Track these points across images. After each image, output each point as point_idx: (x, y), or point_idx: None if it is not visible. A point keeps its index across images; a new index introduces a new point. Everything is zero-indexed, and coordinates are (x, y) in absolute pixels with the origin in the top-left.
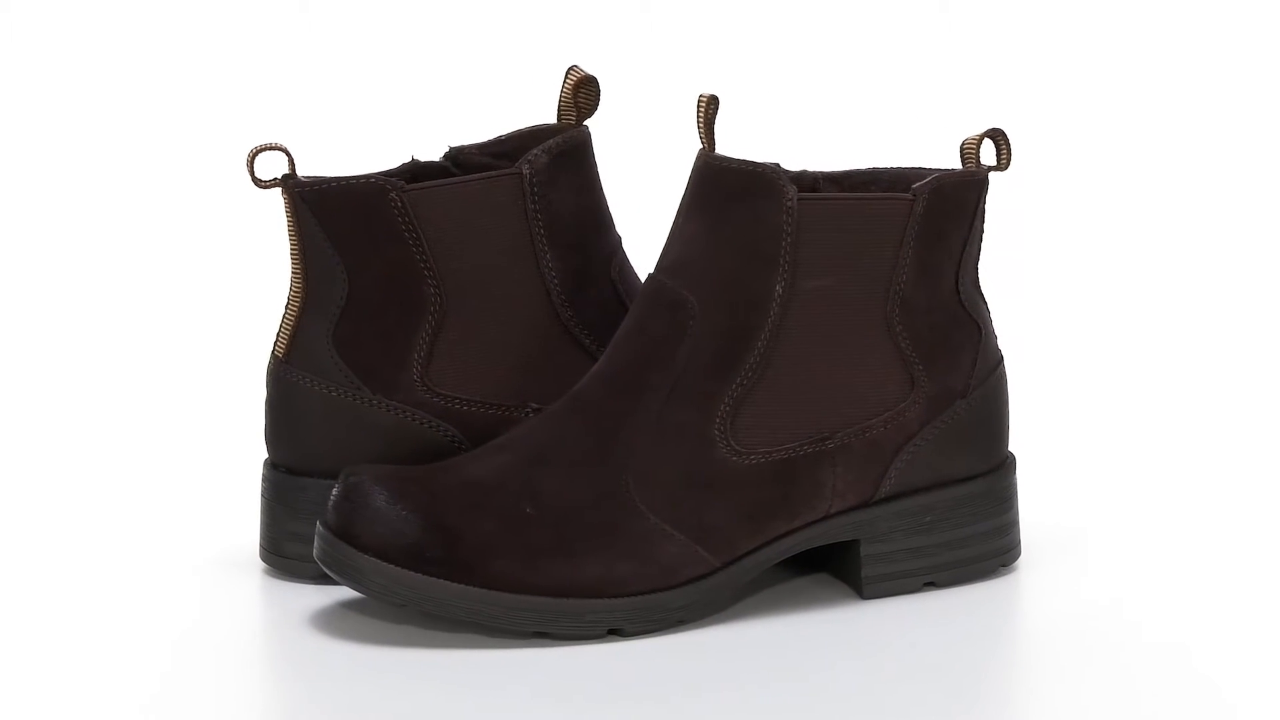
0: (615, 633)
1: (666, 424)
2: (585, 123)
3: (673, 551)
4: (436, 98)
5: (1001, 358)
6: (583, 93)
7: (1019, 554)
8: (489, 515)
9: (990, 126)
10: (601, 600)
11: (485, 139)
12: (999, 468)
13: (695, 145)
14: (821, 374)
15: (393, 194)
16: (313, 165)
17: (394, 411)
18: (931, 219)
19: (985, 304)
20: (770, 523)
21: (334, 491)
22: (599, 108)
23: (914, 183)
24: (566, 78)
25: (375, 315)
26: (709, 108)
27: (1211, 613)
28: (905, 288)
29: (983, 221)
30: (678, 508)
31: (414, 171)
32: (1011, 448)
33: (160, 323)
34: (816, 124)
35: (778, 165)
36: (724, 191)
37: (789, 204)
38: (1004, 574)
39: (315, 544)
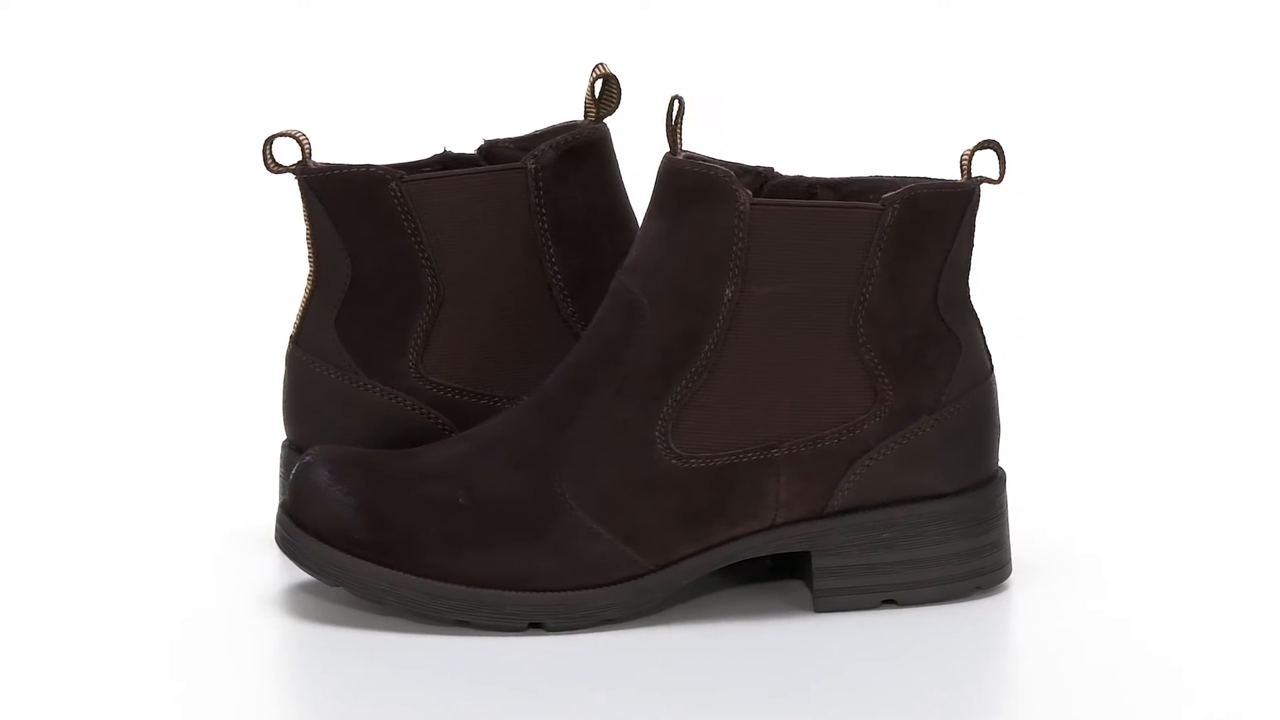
0: (537, 627)
1: (610, 423)
2: (606, 121)
3: (599, 551)
4: (477, 90)
5: (987, 375)
6: (603, 91)
7: (1004, 577)
8: (423, 502)
9: (985, 138)
10: (523, 594)
11: (521, 133)
12: (976, 488)
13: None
14: (772, 382)
15: (392, 184)
16: (347, 154)
17: (387, 396)
18: (903, 230)
19: (975, 319)
20: (707, 528)
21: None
22: (619, 107)
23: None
24: (591, 75)
25: (375, 302)
26: (676, 109)
27: (1204, 631)
28: (872, 299)
29: (971, 235)
30: (610, 507)
31: (445, 162)
32: (1006, 461)
33: (190, 304)
34: (831, 128)
35: (730, 172)
36: (679, 193)
37: (741, 208)
38: (995, 591)
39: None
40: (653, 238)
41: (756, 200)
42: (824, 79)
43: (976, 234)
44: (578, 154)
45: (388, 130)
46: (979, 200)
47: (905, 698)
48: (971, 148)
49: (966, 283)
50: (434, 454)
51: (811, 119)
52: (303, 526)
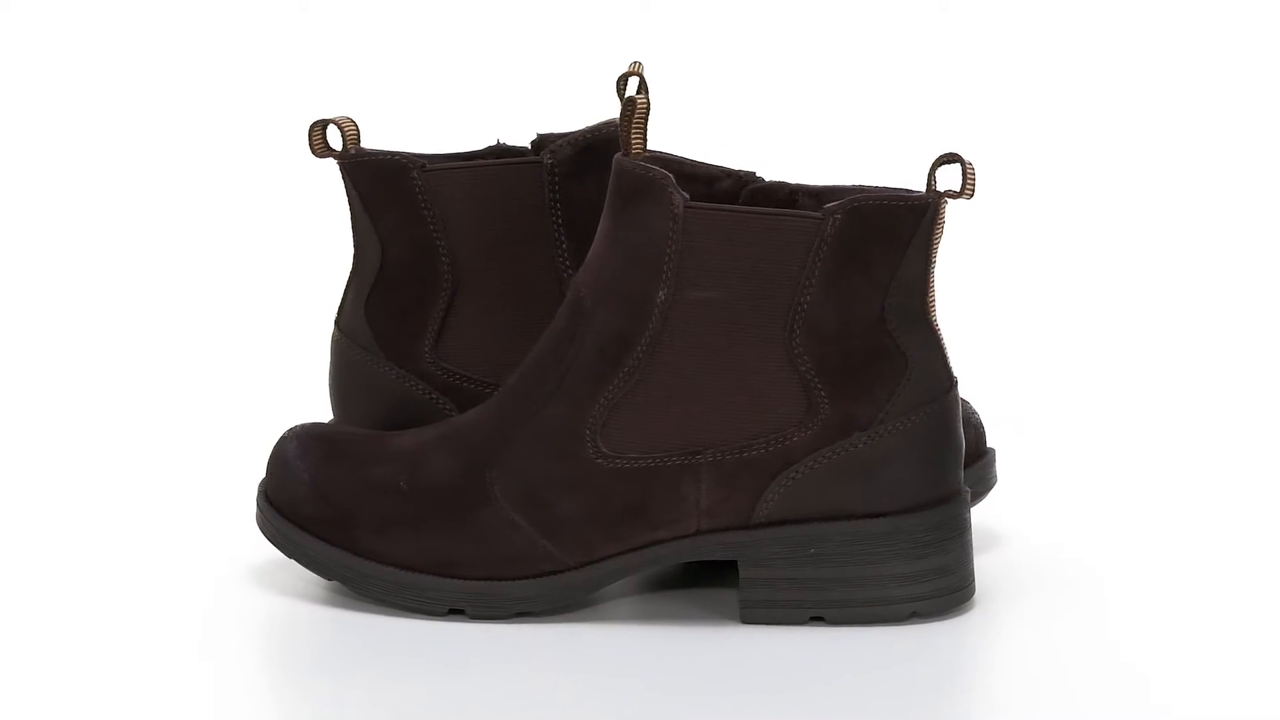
0: (457, 613)
1: (544, 419)
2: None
3: (519, 544)
4: (539, 83)
5: (938, 398)
6: (624, 88)
7: (953, 604)
8: (366, 484)
9: (948, 151)
10: (444, 579)
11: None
12: (918, 510)
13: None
14: (702, 387)
15: (414, 172)
16: (409, 143)
17: (402, 380)
18: (845, 241)
19: (934, 338)
20: (628, 530)
21: None
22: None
23: None
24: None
25: (399, 287)
26: (631, 110)
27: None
28: (810, 309)
29: (927, 250)
30: (533, 502)
31: (498, 154)
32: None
33: (255, 287)
34: (832, 131)
35: (668, 173)
36: (621, 193)
37: (675, 211)
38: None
39: None
40: (600, 236)
41: (690, 204)
42: (825, 82)
43: (953, 249)
44: (595, 151)
45: (452, 120)
46: (937, 215)
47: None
48: (934, 162)
49: (923, 301)
50: (404, 438)
51: (812, 121)
52: (268, 500)
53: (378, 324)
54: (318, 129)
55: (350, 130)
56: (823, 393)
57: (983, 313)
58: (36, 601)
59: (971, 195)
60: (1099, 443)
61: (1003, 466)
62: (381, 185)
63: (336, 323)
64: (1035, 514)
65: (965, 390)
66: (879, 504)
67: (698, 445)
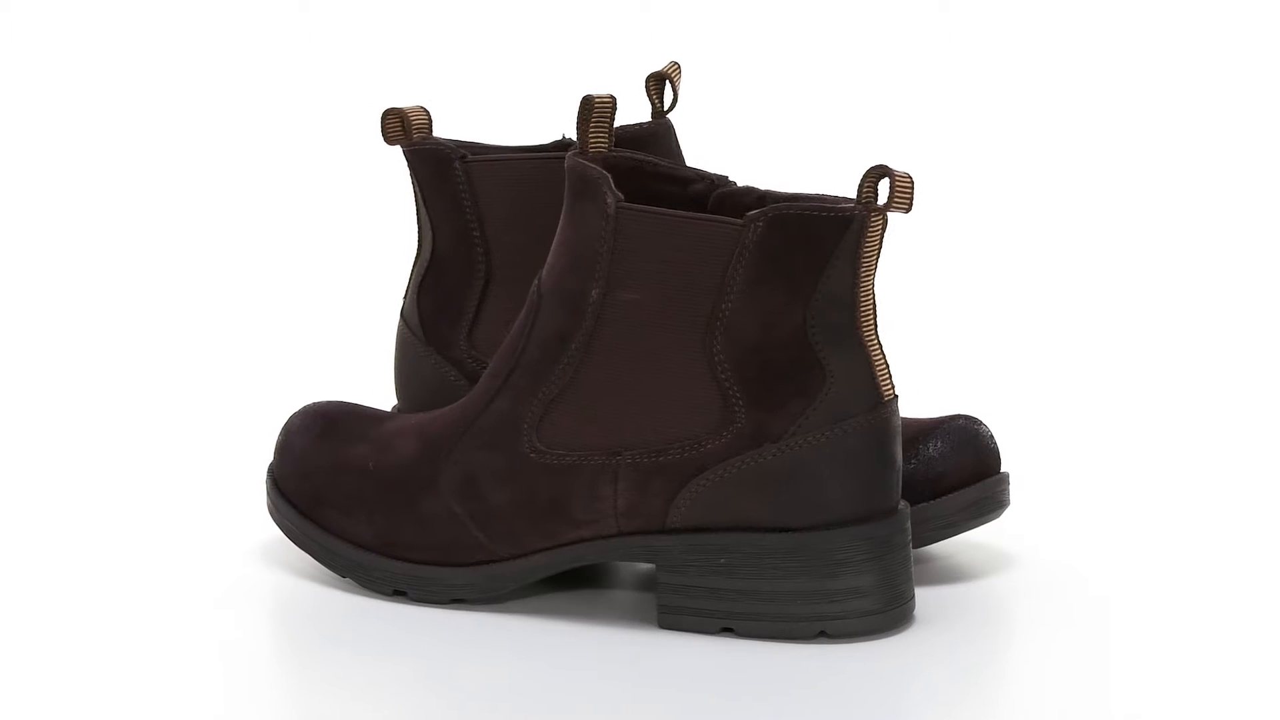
0: (400, 594)
1: (492, 412)
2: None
3: (454, 533)
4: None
5: (857, 415)
6: (657, 87)
7: (877, 627)
8: (343, 462)
9: (878, 163)
10: (389, 560)
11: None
12: (829, 527)
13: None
14: (629, 388)
15: (455, 162)
16: (490, 133)
17: (438, 366)
18: (767, 250)
19: (861, 353)
20: (553, 526)
21: None
22: (675, 103)
23: None
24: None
25: (444, 274)
26: (589, 109)
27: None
28: (731, 316)
29: (854, 263)
30: (471, 492)
31: (563, 147)
32: None
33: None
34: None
35: (605, 173)
36: (570, 192)
37: (608, 211)
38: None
39: None
40: (556, 233)
41: (623, 204)
42: (826, 81)
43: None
44: (625, 145)
45: (528, 112)
46: (864, 229)
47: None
48: (864, 174)
49: (852, 316)
50: (397, 421)
51: (812, 121)
52: (270, 473)
53: (425, 311)
54: (390, 116)
55: (419, 119)
56: (740, 401)
57: (1003, 336)
58: (57, 572)
59: (907, 209)
60: (1115, 468)
61: (1021, 489)
62: (431, 174)
63: (401, 309)
64: (1048, 536)
65: (983, 411)
66: (786, 518)
67: (620, 446)
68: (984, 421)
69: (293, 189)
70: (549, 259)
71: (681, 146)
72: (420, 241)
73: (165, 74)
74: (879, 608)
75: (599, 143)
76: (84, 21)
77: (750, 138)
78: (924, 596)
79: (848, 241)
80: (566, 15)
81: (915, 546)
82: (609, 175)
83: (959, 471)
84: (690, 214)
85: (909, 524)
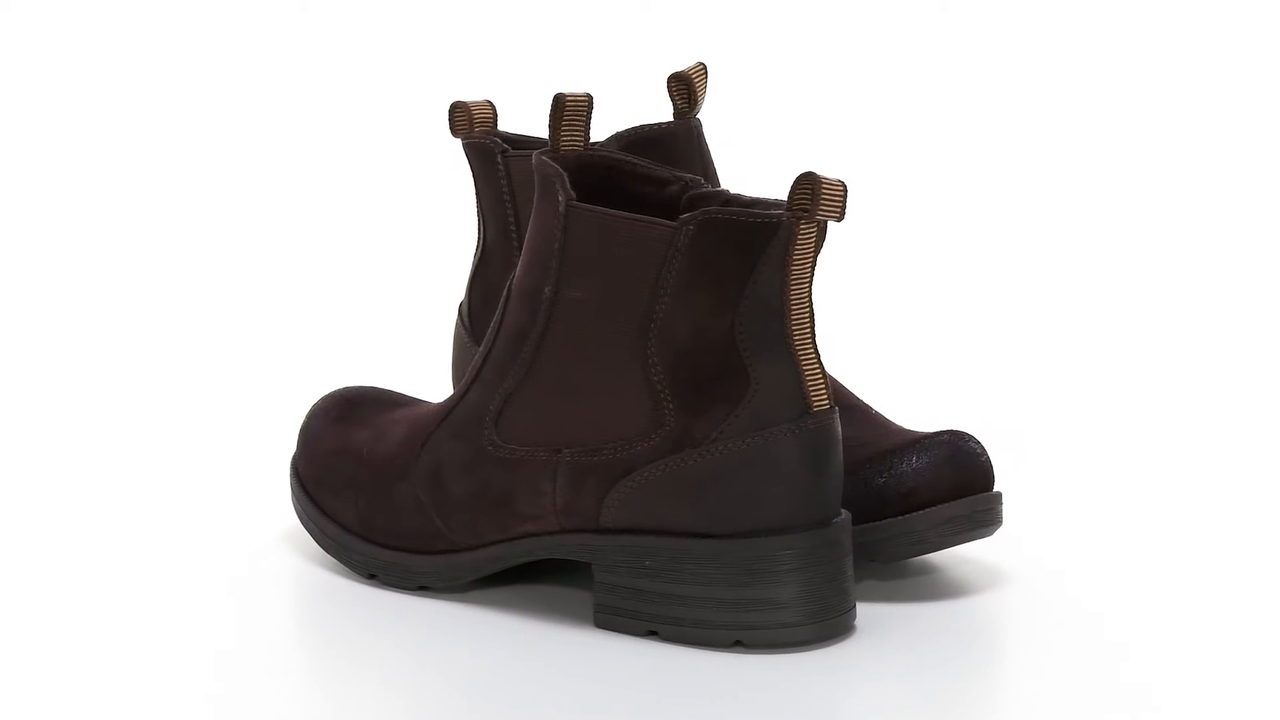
0: (373, 578)
1: (465, 403)
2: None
3: (420, 521)
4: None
5: (780, 424)
6: (678, 87)
7: (797, 639)
8: (345, 446)
9: (807, 171)
10: (365, 544)
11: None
12: (748, 536)
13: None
14: (573, 386)
15: (498, 156)
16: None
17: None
18: (698, 254)
19: (789, 361)
20: (503, 519)
21: None
22: (692, 104)
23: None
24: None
25: (491, 266)
26: (560, 108)
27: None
28: (664, 319)
29: (783, 270)
30: (436, 482)
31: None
32: None
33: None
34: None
35: (560, 171)
36: (537, 189)
37: (560, 209)
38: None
39: None
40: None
41: (573, 203)
42: (826, 81)
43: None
44: (640, 148)
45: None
46: (792, 236)
47: None
48: (794, 181)
49: (782, 324)
50: (410, 409)
51: (812, 121)
52: (293, 455)
53: (474, 303)
54: (456, 110)
55: (483, 113)
56: (670, 405)
57: (1022, 350)
58: (81, 557)
59: (838, 218)
60: (1113, 489)
61: (1027, 507)
62: (481, 168)
63: (460, 302)
64: (1040, 555)
65: (980, 429)
66: (707, 524)
67: (562, 443)
68: (975, 438)
69: (373, 182)
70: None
71: (709, 149)
72: (478, 235)
73: (235, 63)
74: (799, 620)
75: (572, 141)
76: (132, 21)
77: (749, 139)
78: (890, 611)
79: (775, 248)
80: (601, 14)
81: (886, 561)
82: (564, 173)
83: (932, 487)
84: (631, 215)
85: (845, 537)
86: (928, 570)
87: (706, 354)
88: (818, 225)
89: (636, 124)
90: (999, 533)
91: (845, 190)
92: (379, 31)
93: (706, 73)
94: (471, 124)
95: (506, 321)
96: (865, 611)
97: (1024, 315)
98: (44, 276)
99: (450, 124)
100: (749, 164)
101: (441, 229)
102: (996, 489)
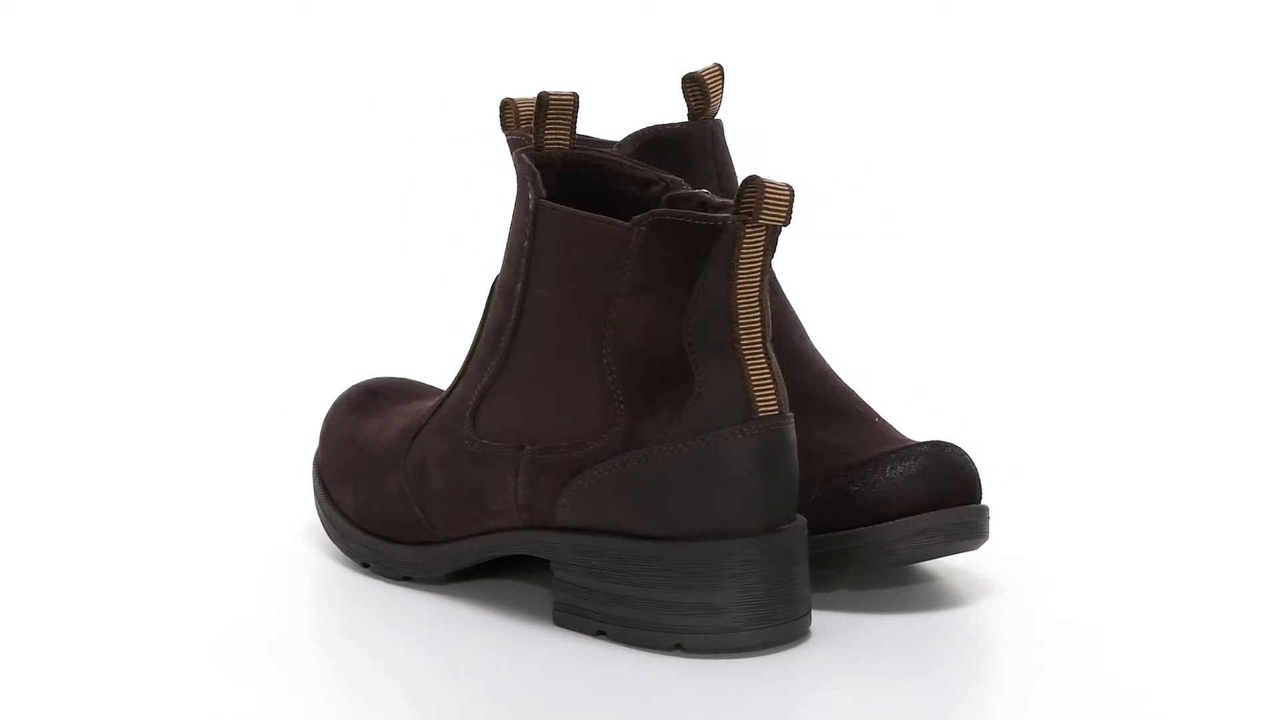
0: (366, 566)
1: (452, 397)
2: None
3: (403, 511)
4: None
5: (723, 428)
6: (691, 88)
7: (735, 645)
8: (354, 436)
9: (752, 174)
10: (358, 531)
11: None
12: (690, 539)
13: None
14: (539, 383)
15: (520, 153)
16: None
17: None
18: (649, 255)
19: (735, 366)
20: (473, 513)
21: None
22: (705, 106)
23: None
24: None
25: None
26: (544, 107)
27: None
28: (619, 320)
29: (728, 274)
30: (420, 474)
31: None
32: None
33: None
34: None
35: (534, 170)
36: (516, 186)
37: (530, 206)
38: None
39: None
40: None
41: (542, 201)
42: (826, 80)
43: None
44: (653, 147)
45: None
46: (736, 240)
47: None
48: (741, 184)
49: (729, 328)
50: (424, 402)
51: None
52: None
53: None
54: (505, 107)
55: (529, 110)
56: (621, 405)
57: (1013, 364)
58: (107, 552)
59: (783, 222)
60: (1111, 505)
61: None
62: (516, 165)
63: None
64: (1028, 572)
65: (969, 440)
66: (649, 526)
67: (525, 439)
68: (959, 449)
69: (416, 176)
70: None
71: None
72: None
73: (268, 60)
74: (739, 626)
75: (557, 139)
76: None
77: (749, 138)
78: (853, 620)
79: (720, 251)
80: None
81: (858, 571)
82: (536, 172)
83: (904, 498)
84: (592, 215)
85: (795, 544)
86: (912, 580)
87: (656, 355)
88: (766, 230)
89: (651, 124)
90: (995, 545)
91: (791, 194)
92: (418, 28)
93: (723, 74)
94: (518, 120)
95: (489, 318)
96: (832, 620)
97: (1041, 328)
98: (70, 273)
99: (500, 119)
100: (769, 166)
101: (483, 223)
102: (984, 502)
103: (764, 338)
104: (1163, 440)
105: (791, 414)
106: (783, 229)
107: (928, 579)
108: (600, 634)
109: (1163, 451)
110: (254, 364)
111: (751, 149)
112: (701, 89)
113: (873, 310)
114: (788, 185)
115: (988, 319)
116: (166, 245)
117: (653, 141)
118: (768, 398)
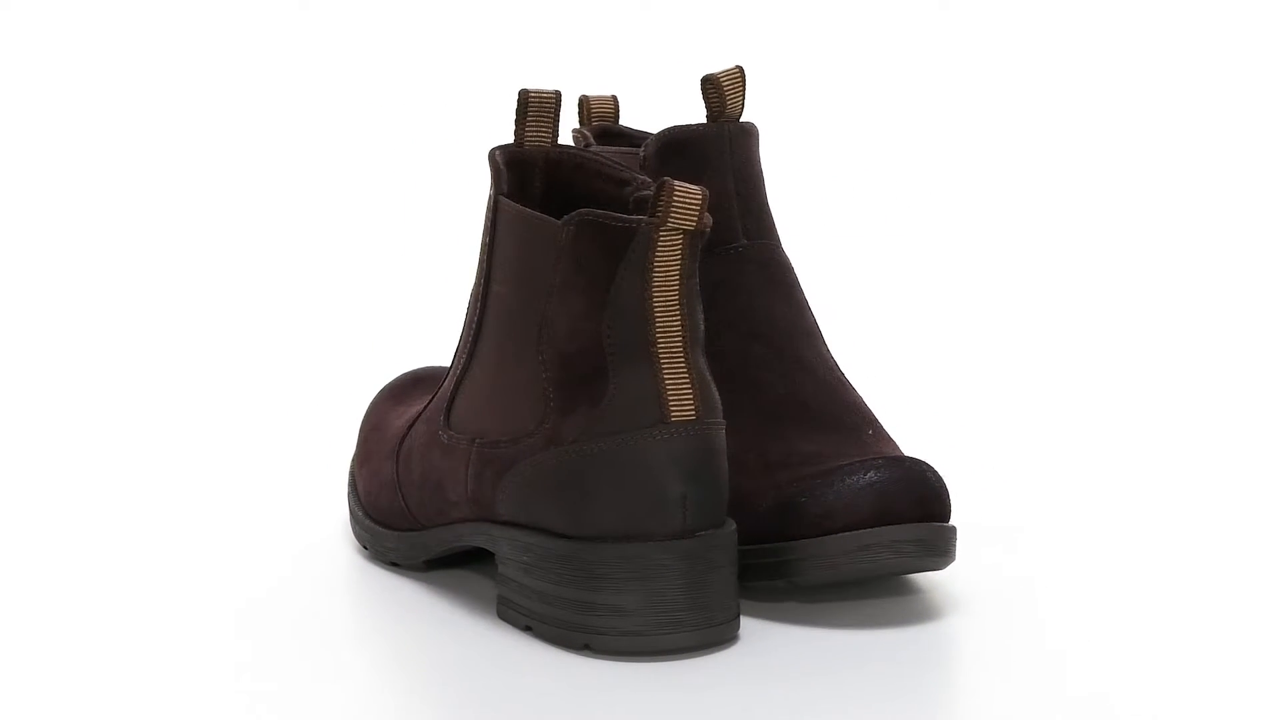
0: (366, 549)
1: (441, 391)
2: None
3: (390, 498)
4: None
5: (634, 430)
6: (709, 90)
7: (641, 649)
8: (380, 423)
9: (665, 178)
10: (365, 517)
11: None
12: (598, 540)
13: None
14: (492, 378)
15: (493, 149)
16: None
17: None
18: (574, 254)
19: (649, 369)
20: (441, 503)
21: None
22: (722, 108)
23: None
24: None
25: None
26: (524, 104)
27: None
28: (552, 318)
29: (643, 276)
30: (406, 464)
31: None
32: None
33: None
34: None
35: (501, 168)
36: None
37: (491, 202)
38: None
39: None
40: None
41: (501, 198)
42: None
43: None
44: (673, 147)
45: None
46: (650, 243)
47: None
48: (655, 188)
49: (644, 331)
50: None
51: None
52: None
53: None
54: (580, 104)
55: (600, 106)
56: (552, 403)
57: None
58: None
59: (693, 226)
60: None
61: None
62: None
63: None
64: (997, 587)
65: (939, 458)
66: (564, 525)
67: (477, 433)
68: (926, 466)
69: (451, 174)
70: None
71: (752, 154)
72: None
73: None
74: (642, 629)
75: (539, 137)
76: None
77: (792, 142)
78: (787, 633)
79: (634, 253)
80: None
81: (805, 585)
82: (503, 169)
83: (849, 512)
84: (533, 213)
85: (713, 551)
86: (871, 595)
87: (579, 354)
88: (685, 234)
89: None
90: (991, 565)
91: (703, 198)
92: (436, 29)
93: (743, 77)
94: (589, 116)
95: (469, 312)
96: (767, 630)
97: (1052, 340)
98: (94, 276)
99: (536, 116)
100: (788, 168)
101: None
102: (951, 522)
103: (685, 342)
104: (1164, 442)
105: (720, 421)
106: (705, 234)
107: (888, 595)
108: (528, 629)
109: (1164, 456)
110: (301, 360)
111: (781, 154)
112: (718, 91)
113: (898, 322)
114: (700, 189)
115: (1022, 331)
116: (218, 244)
117: (672, 142)
118: (684, 402)
